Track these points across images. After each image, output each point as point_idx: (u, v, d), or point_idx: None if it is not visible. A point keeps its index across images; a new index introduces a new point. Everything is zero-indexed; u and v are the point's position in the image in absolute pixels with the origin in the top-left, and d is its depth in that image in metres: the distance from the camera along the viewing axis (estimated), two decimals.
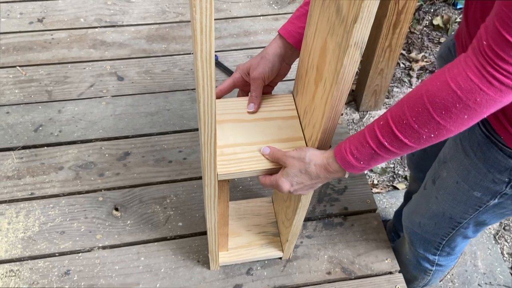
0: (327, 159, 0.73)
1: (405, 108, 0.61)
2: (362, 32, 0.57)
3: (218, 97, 0.88)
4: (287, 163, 0.77)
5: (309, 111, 0.80)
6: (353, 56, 0.60)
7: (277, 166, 0.81)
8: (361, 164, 0.69)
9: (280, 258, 1.23)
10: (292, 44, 0.83)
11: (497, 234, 1.76)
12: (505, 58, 0.51)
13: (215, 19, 1.79)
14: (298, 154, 0.76)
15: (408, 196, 1.45)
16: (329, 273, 1.23)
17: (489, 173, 0.82)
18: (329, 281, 1.21)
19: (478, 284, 1.62)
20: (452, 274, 1.65)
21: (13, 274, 1.18)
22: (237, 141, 0.82)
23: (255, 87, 0.85)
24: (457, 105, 0.56)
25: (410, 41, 2.34)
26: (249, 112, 0.86)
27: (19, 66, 1.60)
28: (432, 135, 0.60)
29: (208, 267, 1.21)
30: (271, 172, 0.82)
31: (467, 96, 0.54)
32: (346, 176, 0.75)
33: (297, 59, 0.87)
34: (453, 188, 0.91)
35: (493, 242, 1.73)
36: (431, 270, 1.19)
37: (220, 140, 0.82)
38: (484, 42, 0.52)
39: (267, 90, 0.90)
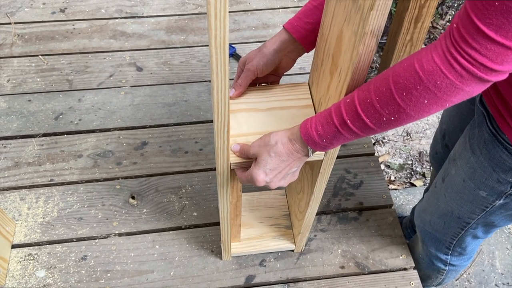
0: (292, 134, 0.72)
1: (372, 88, 0.60)
2: (378, 20, 0.56)
3: (240, 92, 0.87)
4: (255, 153, 0.75)
5: (323, 102, 0.80)
6: (369, 44, 0.59)
7: None
8: (323, 141, 0.67)
9: (292, 250, 1.23)
10: (296, 38, 0.81)
11: None
12: (469, 41, 0.50)
13: (234, 11, 1.79)
14: (262, 140, 0.75)
15: None
16: (342, 267, 1.22)
17: (494, 172, 0.80)
18: (343, 275, 1.21)
19: (495, 284, 1.59)
20: (469, 274, 1.62)
21: (32, 258, 1.21)
22: (251, 130, 0.82)
23: (244, 77, 0.84)
24: (418, 87, 0.54)
25: (432, 36, 2.29)
26: (230, 97, 0.85)
27: (41, 55, 1.63)
28: (392, 118, 0.59)
29: (222, 258, 1.21)
30: None
31: (428, 78, 0.53)
32: (310, 154, 0.72)
33: (312, 50, 0.86)
34: (460, 187, 0.90)
35: None
36: (444, 270, 1.17)
37: (233, 129, 0.82)
38: (454, 25, 0.52)
39: (274, 79, 0.90)
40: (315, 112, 0.86)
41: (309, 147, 0.71)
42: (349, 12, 0.62)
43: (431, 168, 1.47)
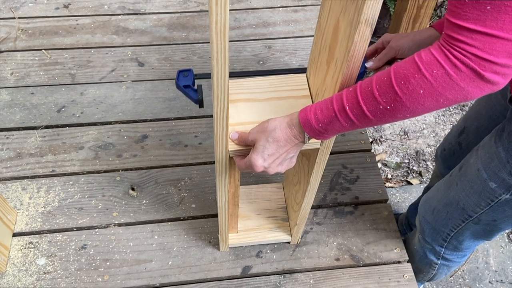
0: (291, 119, 0.74)
1: (374, 78, 0.63)
2: (372, 9, 0.58)
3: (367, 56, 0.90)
4: (253, 139, 0.78)
5: (320, 92, 0.82)
6: (363, 33, 0.61)
7: None
8: (319, 126, 0.70)
9: (289, 242, 1.25)
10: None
11: (511, 233, 1.74)
12: (456, 37, 0.55)
13: (235, 10, 1.82)
14: (261, 126, 0.77)
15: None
16: (337, 259, 1.24)
17: (507, 163, 0.82)
18: (338, 267, 1.23)
19: (489, 281, 1.61)
20: (463, 270, 1.64)
21: (32, 246, 1.23)
22: (249, 119, 0.84)
23: (385, 53, 0.89)
24: (416, 75, 0.58)
25: None
26: (367, 68, 0.88)
27: (45, 49, 1.66)
28: (388, 107, 0.62)
29: (219, 248, 1.24)
30: None
31: (426, 67, 0.58)
32: (306, 141, 0.75)
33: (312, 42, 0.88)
34: (473, 176, 0.91)
35: (507, 240, 1.71)
36: (436, 264, 1.18)
37: (232, 118, 0.85)
38: (443, 32, 0.58)
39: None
40: (313, 103, 0.88)
41: (305, 133, 0.73)
42: (345, 3, 0.64)
43: (434, 164, 1.45)
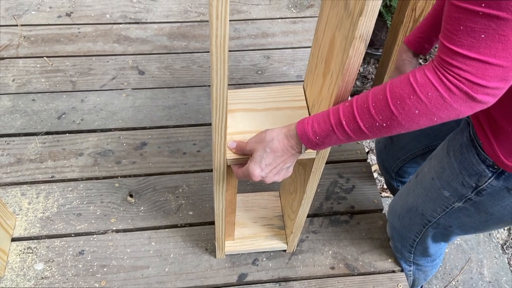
0: (289, 131, 0.76)
1: (370, 95, 0.65)
2: (366, 25, 0.61)
3: None
4: (251, 149, 0.80)
5: (316, 103, 0.84)
6: (358, 48, 0.64)
7: None
8: (316, 139, 0.72)
9: (284, 250, 1.26)
10: (413, 50, 0.98)
11: (505, 244, 1.76)
12: (451, 62, 0.57)
13: (235, 20, 1.85)
14: (258, 137, 0.79)
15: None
16: (332, 268, 1.26)
17: (460, 174, 0.86)
18: (333, 276, 1.24)
19: None
20: (457, 281, 1.66)
21: (31, 251, 1.24)
22: (247, 129, 0.86)
23: None
24: (411, 97, 0.60)
25: None
26: None
27: (46, 56, 1.68)
28: (384, 124, 0.64)
29: (216, 256, 1.25)
30: None
31: (421, 89, 0.60)
32: (303, 151, 0.76)
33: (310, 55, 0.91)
34: (428, 184, 0.96)
35: (500, 251, 1.73)
36: (410, 270, 1.22)
37: (231, 127, 0.87)
38: (437, 54, 0.60)
39: None
40: (309, 114, 0.90)
41: (302, 144, 0.76)
42: (341, 18, 0.67)
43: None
